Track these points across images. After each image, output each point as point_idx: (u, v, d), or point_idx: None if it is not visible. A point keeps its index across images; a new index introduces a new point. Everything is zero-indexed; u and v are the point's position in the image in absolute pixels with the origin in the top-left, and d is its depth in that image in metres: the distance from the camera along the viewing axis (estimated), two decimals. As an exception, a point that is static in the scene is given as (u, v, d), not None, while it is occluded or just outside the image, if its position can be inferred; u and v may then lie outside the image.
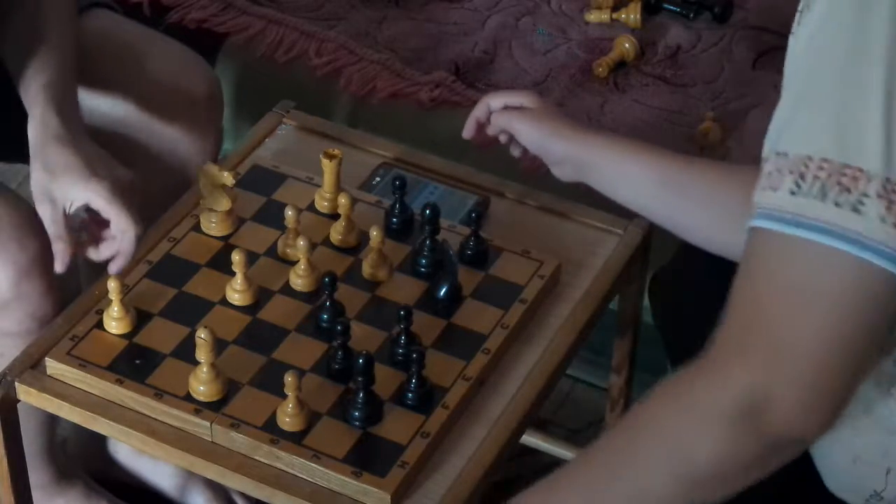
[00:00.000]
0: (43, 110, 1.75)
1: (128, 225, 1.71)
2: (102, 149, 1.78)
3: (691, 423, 1.28)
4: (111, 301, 1.71)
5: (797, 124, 1.25)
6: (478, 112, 1.85)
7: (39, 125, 1.75)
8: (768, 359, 1.23)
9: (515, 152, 1.86)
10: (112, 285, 1.69)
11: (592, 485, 1.38)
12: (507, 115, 1.82)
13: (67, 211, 1.72)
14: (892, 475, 1.45)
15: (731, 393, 1.24)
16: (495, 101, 1.83)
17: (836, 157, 1.21)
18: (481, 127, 1.85)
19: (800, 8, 1.33)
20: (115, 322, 1.71)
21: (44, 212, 1.73)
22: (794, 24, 1.35)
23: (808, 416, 1.24)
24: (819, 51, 1.26)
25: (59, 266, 1.74)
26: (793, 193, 1.23)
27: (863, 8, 1.22)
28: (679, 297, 1.83)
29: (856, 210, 1.20)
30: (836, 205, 1.21)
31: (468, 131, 1.86)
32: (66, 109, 1.76)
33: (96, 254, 1.76)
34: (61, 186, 1.71)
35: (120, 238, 1.73)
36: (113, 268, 1.74)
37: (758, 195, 1.27)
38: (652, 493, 1.33)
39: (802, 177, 1.22)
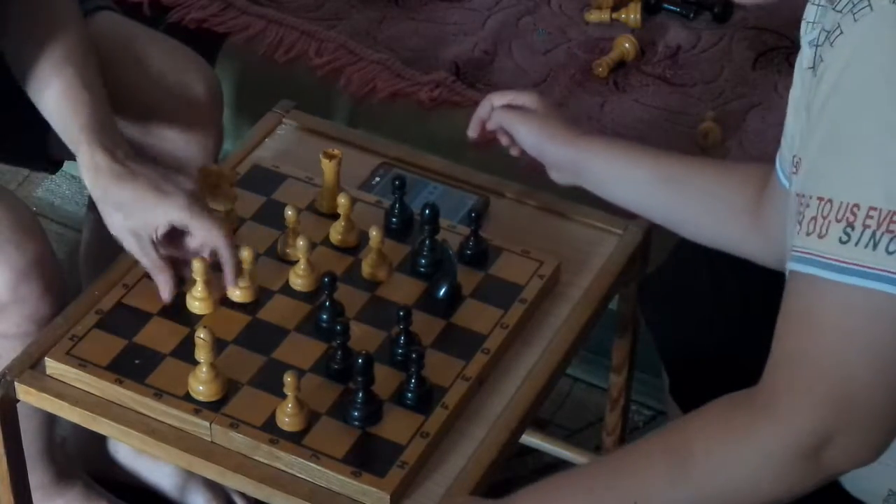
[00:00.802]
0: (89, 152, 1.74)
1: (215, 230, 1.70)
2: (158, 165, 1.77)
3: (754, 460, 1.30)
4: (195, 281, 1.71)
5: (839, 170, 1.26)
6: (481, 111, 1.85)
7: (91, 169, 1.74)
8: (832, 404, 1.25)
9: (514, 152, 1.86)
10: (197, 266, 1.70)
11: (625, 495, 1.38)
12: (508, 113, 1.82)
13: (155, 240, 1.71)
14: None
15: (796, 436, 1.27)
16: (498, 99, 1.84)
17: (885, 204, 1.22)
18: (484, 125, 1.86)
19: (818, 42, 1.32)
20: (198, 303, 1.72)
21: (133, 248, 1.73)
22: (813, 59, 1.33)
23: (867, 453, 1.28)
24: (852, 94, 1.26)
25: (166, 296, 1.73)
26: (842, 241, 1.24)
27: (891, 53, 1.23)
28: (670, 300, 1.83)
29: None
30: (888, 252, 1.22)
31: (473, 130, 1.87)
32: (110, 144, 1.75)
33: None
34: (139, 219, 1.71)
35: (212, 247, 1.72)
36: (229, 280, 1.73)
37: (800, 239, 1.28)
38: None
39: (851, 225, 1.24)
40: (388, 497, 1.55)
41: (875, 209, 1.23)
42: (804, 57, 1.45)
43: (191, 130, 2.01)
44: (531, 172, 2.04)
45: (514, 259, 1.81)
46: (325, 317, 1.71)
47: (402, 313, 1.66)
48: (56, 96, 1.78)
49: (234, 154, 1.98)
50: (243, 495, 2.15)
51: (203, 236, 1.71)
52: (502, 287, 1.77)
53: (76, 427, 1.91)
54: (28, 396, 1.69)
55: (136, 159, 1.76)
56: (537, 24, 2.58)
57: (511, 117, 1.82)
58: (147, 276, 1.77)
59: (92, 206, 2.13)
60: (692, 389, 1.77)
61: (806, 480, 1.31)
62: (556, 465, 2.33)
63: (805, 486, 1.31)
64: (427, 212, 1.77)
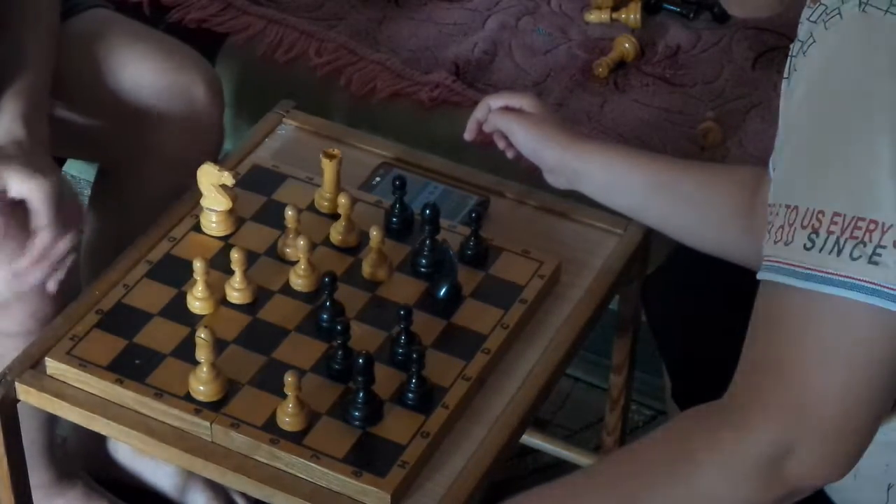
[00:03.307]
0: (11, 119, 1.77)
1: (53, 230, 1.70)
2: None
3: (715, 471, 1.28)
4: (196, 281, 1.71)
5: (805, 178, 1.26)
6: (478, 113, 1.86)
7: (5, 131, 1.76)
8: (792, 412, 1.24)
9: (510, 155, 1.86)
10: (197, 265, 1.70)
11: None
12: (504, 116, 1.83)
13: None
14: (894, 490, 1.45)
15: (755, 446, 1.26)
16: (496, 101, 1.84)
17: (848, 210, 1.22)
18: (481, 127, 1.86)
19: (793, 53, 1.33)
20: (198, 303, 1.72)
21: None
22: (787, 68, 1.34)
23: (831, 467, 1.26)
24: (820, 103, 1.26)
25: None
26: (807, 248, 1.24)
27: (864, 61, 1.23)
28: (672, 300, 1.84)
29: (873, 262, 1.21)
30: (853, 258, 1.22)
31: (470, 133, 1.87)
32: (34, 123, 1.78)
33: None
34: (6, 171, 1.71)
35: (43, 242, 1.72)
36: (51, 285, 1.74)
37: (769, 248, 1.28)
38: None
39: (816, 231, 1.23)
40: (389, 497, 1.55)
41: (839, 215, 1.23)
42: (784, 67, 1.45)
43: (191, 130, 2.01)
44: (531, 172, 2.04)
45: (514, 259, 1.81)
46: (325, 317, 1.71)
47: (402, 313, 1.66)
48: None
49: (234, 154, 1.98)
50: (244, 495, 2.15)
51: (17, 190, 1.70)
52: (502, 287, 1.77)
53: (76, 427, 1.91)
54: (28, 396, 1.69)
55: (43, 148, 1.77)
56: (537, 24, 2.58)
57: (508, 120, 1.82)
58: (147, 276, 1.77)
59: (93, 205, 2.14)
60: (694, 391, 1.77)
61: (763, 492, 1.28)
62: (556, 465, 2.33)
63: (764, 499, 1.28)
64: (427, 212, 1.78)
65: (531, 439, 2.27)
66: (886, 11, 1.23)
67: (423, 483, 1.59)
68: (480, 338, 1.71)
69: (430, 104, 2.38)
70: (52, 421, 2.03)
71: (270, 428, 1.61)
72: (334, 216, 1.84)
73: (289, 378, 1.59)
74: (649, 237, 1.88)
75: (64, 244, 1.73)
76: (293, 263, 1.78)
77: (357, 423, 1.61)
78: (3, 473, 1.76)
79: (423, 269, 1.78)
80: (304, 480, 1.59)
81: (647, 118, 2.39)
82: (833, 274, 1.23)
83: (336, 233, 1.82)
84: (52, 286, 1.75)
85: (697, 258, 1.76)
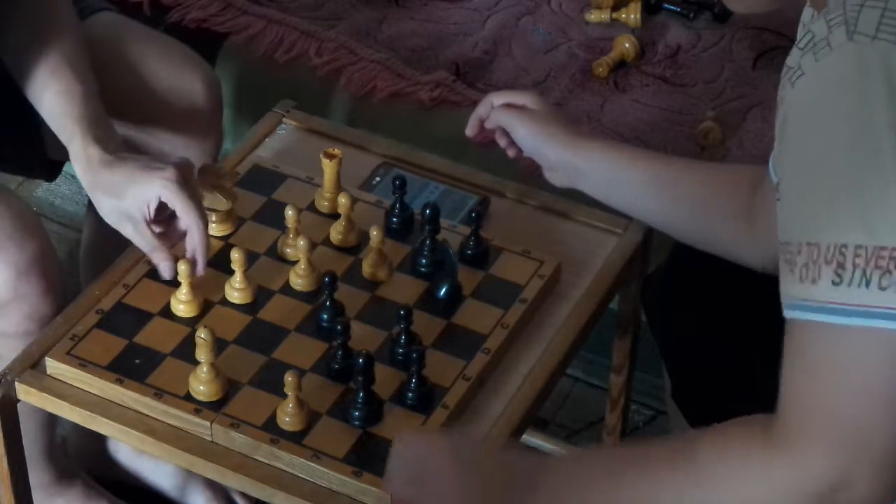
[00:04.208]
0: (82, 144, 1.75)
1: (193, 208, 1.70)
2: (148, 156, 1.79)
3: (769, 495, 1.29)
4: (180, 284, 1.71)
5: (820, 213, 1.26)
6: (481, 110, 1.86)
7: (83, 160, 1.75)
8: (846, 449, 1.24)
9: (511, 153, 1.86)
10: (182, 268, 1.70)
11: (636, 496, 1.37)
12: (507, 112, 1.83)
13: (148, 218, 1.71)
14: None
15: (812, 481, 1.26)
16: (498, 98, 1.84)
17: (868, 241, 1.22)
18: (483, 124, 1.86)
19: (785, 73, 1.32)
20: (182, 305, 1.72)
21: (128, 232, 1.74)
22: (785, 85, 1.33)
23: (883, 492, 1.26)
24: (821, 137, 1.26)
25: (167, 273, 1.74)
26: (835, 284, 1.23)
27: (859, 90, 1.23)
28: (672, 300, 1.84)
29: None
30: (881, 288, 1.22)
31: (471, 129, 1.87)
32: (103, 136, 1.76)
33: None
34: (130, 198, 1.71)
35: (191, 231, 1.72)
36: (199, 269, 1.73)
37: (795, 288, 1.27)
38: None
39: (841, 266, 1.23)
40: (389, 497, 1.55)
41: (861, 247, 1.22)
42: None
43: (190, 131, 2.01)
44: (531, 173, 2.04)
45: (514, 259, 1.81)
46: (325, 317, 1.71)
47: (402, 313, 1.66)
48: (53, 95, 1.79)
49: (235, 154, 1.98)
50: (244, 495, 2.15)
51: (182, 210, 1.71)
52: (502, 287, 1.77)
53: (76, 427, 1.91)
54: (28, 396, 1.69)
55: (126, 151, 1.77)
56: (537, 23, 2.58)
57: (510, 116, 1.83)
58: (147, 275, 1.77)
59: (92, 205, 2.14)
60: (694, 391, 1.77)
61: None
62: (557, 465, 2.33)
63: None
64: (427, 212, 1.77)
65: (531, 439, 2.27)
66: (874, 38, 1.23)
67: (423, 483, 1.59)
68: (480, 338, 1.71)
69: (430, 104, 2.38)
70: (52, 421, 2.02)
71: (270, 428, 1.61)
72: (334, 216, 1.84)
73: (289, 378, 1.59)
74: (649, 237, 1.88)
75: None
76: (293, 263, 1.78)
77: (357, 422, 1.61)
78: (3, 473, 1.76)
79: (423, 269, 1.78)
80: (304, 480, 1.59)
81: (647, 118, 2.39)
82: (864, 306, 1.23)
83: (336, 233, 1.82)
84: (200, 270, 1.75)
85: (697, 258, 1.76)
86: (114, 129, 1.81)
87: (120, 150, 1.76)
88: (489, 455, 1.50)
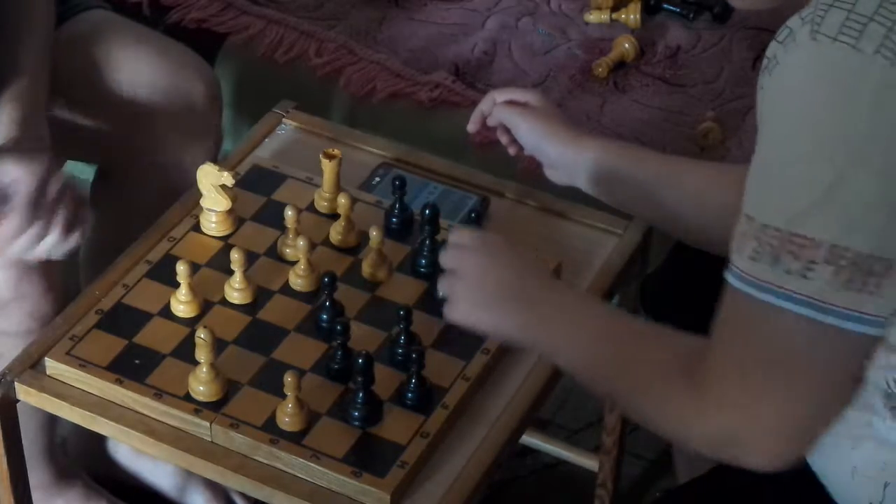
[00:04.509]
0: (9, 122, 1.78)
1: (25, 213, 1.72)
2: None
3: (672, 421, 1.41)
4: (179, 284, 1.71)
5: (758, 192, 1.33)
6: (483, 106, 1.86)
7: (3, 135, 1.78)
8: (738, 404, 1.34)
9: (512, 151, 1.86)
10: (181, 268, 1.70)
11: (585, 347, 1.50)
12: (508, 109, 1.83)
13: None
14: (891, 488, 1.45)
15: (704, 421, 1.37)
16: (501, 95, 1.85)
17: (785, 226, 1.29)
18: (485, 121, 1.87)
19: (764, 65, 1.36)
20: (182, 305, 1.72)
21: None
22: (764, 75, 1.37)
23: (769, 457, 1.37)
24: (775, 124, 1.32)
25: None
26: (753, 259, 1.32)
27: (812, 89, 1.28)
28: (671, 300, 1.84)
29: (805, 276, 1.28)
30: (787, 272, 1.29)
31: (473, 124, 1.88)
32: (32, 126, 1.79)
33: None
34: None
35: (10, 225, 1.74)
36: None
37: (732, 253, 1.35)
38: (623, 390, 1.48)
39: (760, 243, 1.30)
40: (389, 497, 1.55)
41: (778, 230, 1.29)
42: None
43: (190, 131, 2.01)
44: (531, 173, 2.04)
45: (514, 259, 1.80)
46: (325, 317, 1.71)
47: (402, 313, 1.66)
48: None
49: (234, 154, 1.98)
50: (243, 495, 2.15)
51: (8, 175, 1.72)
52: (502, 287, 1.77)
53: (76, 427, 1.91)
54: (28, 396, 1.69)
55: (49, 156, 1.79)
56: (537, 24, 2.58)
57: (511, 113, 1.83)
58: (147, 276, 1.77)
59: (92, 206, 2.14)
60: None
61: (707, 452, 1.42)
62: (557, 466, 2.33)
63: (709, 453, 1.42)
64: (427, 212, 1.78)
65: (531, 439, 2.27)
66: (834, 39, 1.26)
67: (423, 483, 1.59)
68: (480, 338, 1.70)
69: (430, 104, 2.38)
70: (51, 421, 2.03)
71: (270, 428, 1.61)
72: (334, 216, 1.84)
73: (288, 378, 1.59)
74: (649, 237, 1.88)
75: (56, 238, 1.75)
76: (293, 263, 1.78)
77: (357, 423, 1.61)
78: (3, 473, 1.76)
79: (422, 269, 1.78)
80: (303, 480, 1.59)
81: (646, 118, 2.39)
82: (770, 284, 1.30)
83: (336, 233, 1.82)
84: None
85: (697, 257, 1.76)
86: (44, 127, 1.82)
87: (37, 140, 1.78)
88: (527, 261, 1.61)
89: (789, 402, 1.33)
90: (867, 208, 1.26)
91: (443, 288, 1.59)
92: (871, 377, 1.41)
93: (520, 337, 1.56)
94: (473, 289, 1.56)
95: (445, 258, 1.59)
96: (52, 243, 1.76)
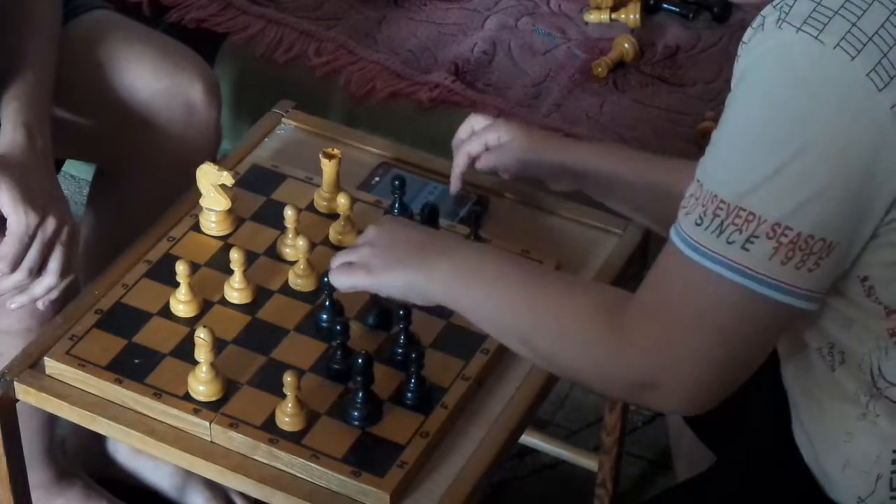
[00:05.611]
0: (14, 127, 1.78)
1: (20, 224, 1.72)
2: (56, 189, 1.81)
3: (589, 363, 1.45)
4: (179, 284, 1.71)
5: (712, 162, 1.38)
6: (461, 166, 1.84)
7: (8, 140, 1.77)
8: (659, 350, 1.39)
9: (506, 176, 1.86)
10: (180, 268, 1.70)
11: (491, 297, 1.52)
12: (490, 156, 1.82)
13: None
14: (882, 481, 1.46)
15: (625, 364, 1.41)
16: (473, 146, 1.83)
17: (733, 200, 1.33)
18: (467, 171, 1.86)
19: (739, 51, 1.40)
20: (181, 305, 1.72)
21: None
22: (738, 59, 1.40)
23: (683, 403, 1.42)
24: (735, 103, 1.36)
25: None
26: (697, 224, 1.36)
27: (776, 75, 1.32)
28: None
29: (745, 248, 1.33)
30: (729, 242, 1.34)
31: (455, 187, 1.87)
32: (36, 131, 1.79)
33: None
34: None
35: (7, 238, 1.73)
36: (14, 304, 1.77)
37: (679, 213, 1.40)
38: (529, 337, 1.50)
39: (706, 211, 1.35)
40: (388, 497, 1.55)
41: (725, 202, 1.34)
42: None
43: (188, 130, 2.01)
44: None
45: (513, 259, 1.80)
46: (324, 317, 1.71)
47: (402, 313, 1.66)
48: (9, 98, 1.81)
49: (234, 154, 1.98)
50: (243, 495, 2.15)
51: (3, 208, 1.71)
52: (502, 287, 1.77)
53: (76, 427, 1.91)
54: (27, 396, 1.69)
55: (45, 164, 1.79)
56: (536, 24, 2.58)
57: (494, 158, 1.82)
58: (146, 275, 1.77)
59: (91, 205, 2.14)
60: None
61: (628, 398, 1.55)
62: (556, 465, 2.34)
63: (626, 398, 1.54)
64: (427, 212, 1.77)
65: (531, 439, 2.27)
66: (799, 29, 1.29)
67: (423, 483, 1.59)
68: (479, 338, 1.70)
69: (430, 104, 2.38)
70: (51, 421, 2.03)
71: (270, 428, 1.61)
72: (333, 216, 1.84)
73: (288, 378, 1.59)
74: (648, 237, 1.88)
75: (39, 287, 1.76)
76: (292, 263, 1.78)
77: (356, 422, 1.61)
78: (3, 473, 1.76)
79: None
80: (303, 480, 1.59)
81: (646, 118, 2.39)
82: (710, 250, 1.35)
83: (335, 232, 1.82)
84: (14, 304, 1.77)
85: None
86: (48, 129, 1.82)
87: (41, 151, 1.78)
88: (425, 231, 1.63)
89: (711, 357, 1.37)
90: (812, 191, 1.30)
91: (343, 257, 1.61)
92: (861, 374, 1.41)
93: (432, 289, 1.55)
94: (384, 249, 1.58)
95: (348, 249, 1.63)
96: (44, 287, 1.77)
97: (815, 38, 1.28)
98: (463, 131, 1.86)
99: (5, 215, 1.72)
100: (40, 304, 1.78)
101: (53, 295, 1.77)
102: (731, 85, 1.38)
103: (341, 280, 1.60)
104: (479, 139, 1.83)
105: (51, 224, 1.74)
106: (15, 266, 1.72)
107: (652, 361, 1.39)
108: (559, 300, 1.47)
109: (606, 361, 1.42)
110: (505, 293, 1.51)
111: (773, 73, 1.31)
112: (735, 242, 1.33)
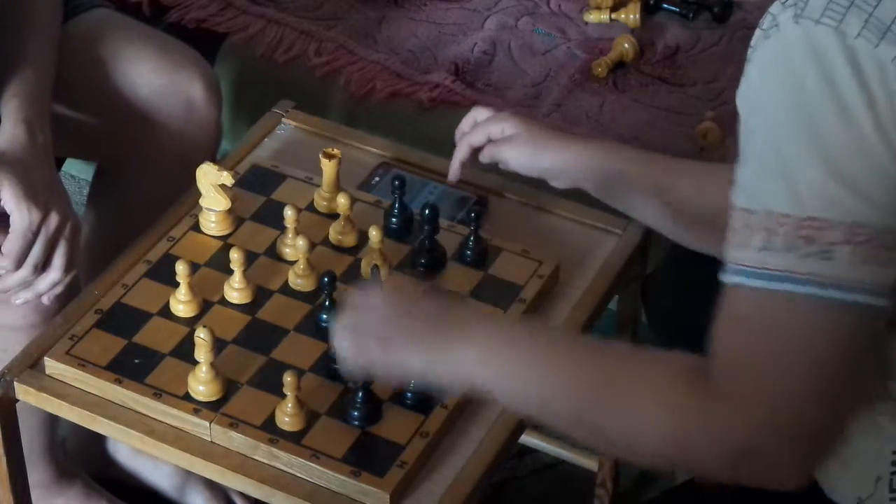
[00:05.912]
0: (14, 123, 1.78)
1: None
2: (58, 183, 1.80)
3: (677, 433, 1.31)
4: (179, 284, 1.71)
5: (754, 181, 1.31)
6: (461, 154, 1.83)
7: (8, 136, 1.77)
8: (759, 407, 1.27)
9: (508, 166, 1.85)
10: (180, 268, 1.70)
11: (551, 384, 1.39)
12: (493, 148, 1.81)
13: None
14: (882, 482, 1.46)
15: (720, 429, 1.28)
16: (477, 136, 1.82)
17: (795, 211, 1.26)
18: (467, 162, 1.85)
19: (748, 55, 1.37)
20: (181, 305, 1.72)
21: None
22: (748, 62, 1.38)
23: (791, 470, 1.29)
24: (767, 111, 1.32)
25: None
26: (764, 250, 1.28)
27: (797, 73, 1.28)
28: (671, 300, 1.83)
29: (826, 258, 1.25)
30: (805, 256, 1.25)
31: (454, 175, 1.85)
32: (37, 128, 1.79)
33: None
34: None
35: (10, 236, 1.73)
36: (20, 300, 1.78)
37: (730, 251, 1.32)
38: (610, 434, 1.36)
39: (770, 232, 1.27)
40: (388, 497, 1.55)
41: (787, 216, 1.27)
42: None
43: (188, 129, 2.01)
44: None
45: (513, 259, 1.81)
46: (324, 316, 1.71)
47: (401, 313, 1.66)
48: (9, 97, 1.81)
49: (234, 153, 1.98)
50: (243, 495, 2.15)
51: (6, 204, 1.71)
52: (502, 287, 1.77)
53: (76, 427, 1.91)
54: (27, 396, 1.69)
55: (46, 161, 1.79)
56: (536, 24, 2.58)
57: (498, 149, 1.80)
58: (146, 275, 1.77)
59: (91, 204, 2.14)
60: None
61: (728, 475, 1.32)
62: (556, 465, 2.33)
63: (725, 476, 1.33)
64: (427, 212, 1.78)
65: (531, 439, 2.27)
66: (817, 22, 1.27)
67: (422, 483, 1.59)
68: (480, 338, 1.70)
69: (430, 104, 2.38)
70: (51, 420, 2.03)
71: (269, 428, 1.61)
72: (333, 216, 1.84)
73: (288, 378, 1.59)
74: (649, 237, 1.88)
75: (44, 282, 1.76)
76: (292, 263, 1.78)
77: (356, 422, 1.61)
78: (3, 473, 1.76)
79: (422, 269, 1.78)
80: (303, 480, 1.59)
81: (646, 118, 2.39)
82: (786, 271, 1.27)
83: (335, 232, 1.82)
84: (20, 300, 1.78)
85: (697, 257, 1.75)
86: (48, 126, 1.82)
87: (41, 148, 1.78)
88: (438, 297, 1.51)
89: (813, 398, 1.27)
90: (868, 180, 1.25)
91: (347, 319, 1.50)
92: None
93: (459, 373, 1.44)
94: (394, 322, 1.47)
95: (344, 316, 1.51)
96: (49, 283, 1.77)
97: (836, 28, 1.26)
98: (466, 123, 1.85)
99: (8, 212, 1.72)
100: (45, 300, 1.78)
101: (58, 290, 1.77)
102: (743, 91, 1.35)
103: (351, 357, 1.50)
104: (483, 130, 1.82)
105: (54, 220, 1.74)
106: (19, 263, 1.73)
107: (749, 418, 1.27)
108: (625, 375, 1.35)
109: (698, 434, 1.29)
110: (556, 373, 1.39)
111: (799, 69, 1.28)
112: (812, 255, 1.26)
